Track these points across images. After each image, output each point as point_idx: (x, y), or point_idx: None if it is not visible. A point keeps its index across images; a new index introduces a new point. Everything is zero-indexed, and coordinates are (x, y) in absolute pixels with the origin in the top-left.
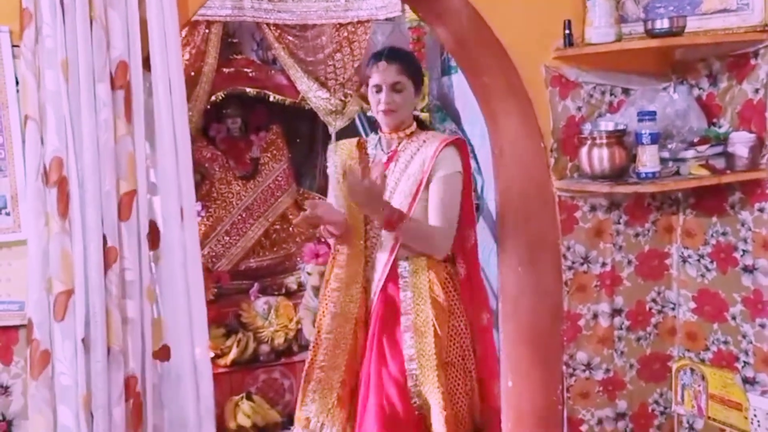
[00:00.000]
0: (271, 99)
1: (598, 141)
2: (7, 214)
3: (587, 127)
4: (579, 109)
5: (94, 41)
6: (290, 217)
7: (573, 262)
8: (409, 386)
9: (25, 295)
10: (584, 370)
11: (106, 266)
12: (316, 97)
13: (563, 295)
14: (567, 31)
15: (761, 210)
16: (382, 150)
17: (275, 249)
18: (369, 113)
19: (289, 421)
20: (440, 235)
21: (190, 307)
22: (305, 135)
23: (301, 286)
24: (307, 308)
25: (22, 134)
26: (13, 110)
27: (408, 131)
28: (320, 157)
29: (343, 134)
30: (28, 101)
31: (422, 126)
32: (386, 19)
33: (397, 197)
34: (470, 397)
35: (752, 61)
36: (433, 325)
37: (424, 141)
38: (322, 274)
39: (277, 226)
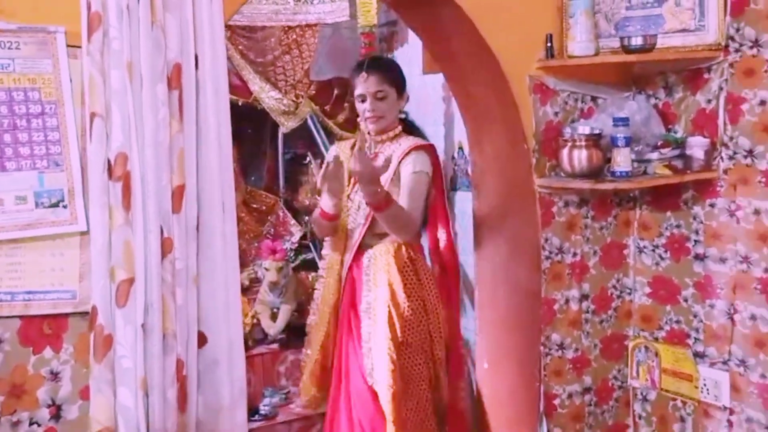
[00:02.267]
0: None
1: (577, 143)
2: (65, 206)
3: (568, 131)
4: (556, 114)
5: (154, 44)
6: (240, 215)
7: (550, 253)
8: (365, 365)
9: (76, 284)
10: (558, 350)
11: (163, 255)
12: (268, 97)
13: (541, 282)
14: (549, 44)
15: (712, 205)
16: (368, 152)
17: None
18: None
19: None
20: (412, 221)
21: (228, 294)
22: (252, 134)
23: (253, 282)
24: (263, 303)
25: (77, 130)
26: (68, 108)
27: (391, 134)
28: (268, 156)
29: (293, 134)
30: (96, 99)
31: (409, 129)
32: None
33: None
34: (433, 381)
35: (705, 75)
36: (388, 307)
37: (400, 144)
38: (279, 270)
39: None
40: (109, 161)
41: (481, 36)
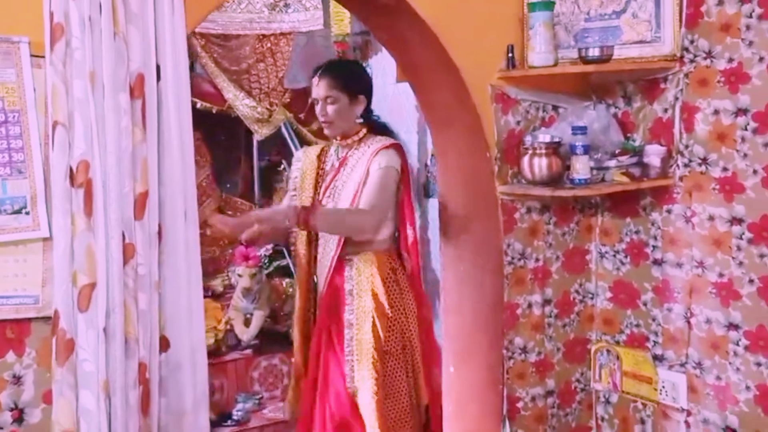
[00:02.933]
0: (199, 106)
1: (538, 151)
2: (27, 213)
3: (528, 139)
4: (518, 123)
5: (117, 54)
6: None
7: (512, 258)
8: (347, 372)
9: (39, 289)
10: (521, 354)
11: (125, 261)
12: (243, 105)
13: (504, 287)
14: (510, 55)
15: (669, 211)
16: (336, 157)
17: (201, 253)
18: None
19: (219, 419)
20: (359, 215)
21: (191, 300)
22: (226, 141)
23: (227, 289)
24: (236, 309)
25: (40, 139)
26: (31, 116)
27: (356, 138)
28: (242, 163)
29: (268, 141)
30: (58, 108)
31: (378, 130)
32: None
33: (343, 200)
34: (412, 386)
35: (662, 85)
36: (372, 317)
37: (369, 146)
38: (252, 276)
39: (202, 231)
40: (71, 168)
41: (443, 47)
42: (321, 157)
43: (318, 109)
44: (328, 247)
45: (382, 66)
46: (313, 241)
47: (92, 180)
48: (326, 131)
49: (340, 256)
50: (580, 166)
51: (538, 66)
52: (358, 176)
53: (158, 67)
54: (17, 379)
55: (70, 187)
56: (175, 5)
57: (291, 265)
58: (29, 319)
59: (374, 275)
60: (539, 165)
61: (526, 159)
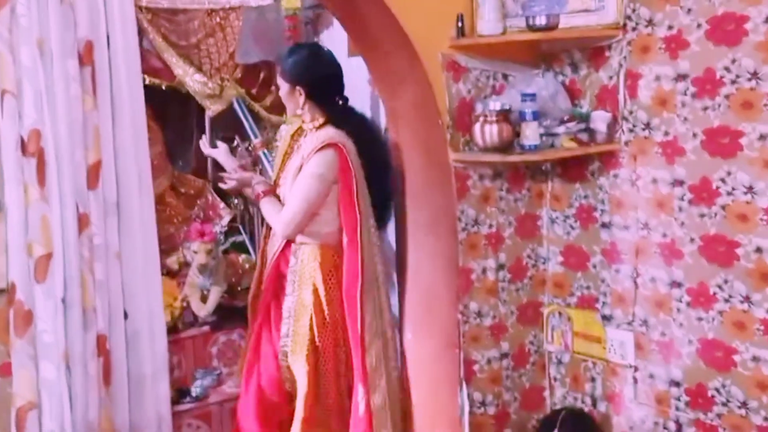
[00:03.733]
0: (147, 82)
1: (489, 119)
2: None
3: (479, 107)
4: (469, 91)
5: (64, 20)
6: (168, 199)
7: (466, 224)
8: (280, 360)
9: None
10: (476, 318)
11: (80, 231)
12: (193, 81)
13: (458, 253)
14: (460, 24)
15: (615, 176)
16: (299, 140)
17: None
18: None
19: (178, 396)
20: (279, 220)
21: (148, 269)
22: (178, 118)
23: (182, 266)
24: (192, 286)
25: None
26: None
27: (316, 124)
28: (194, 139)
29: (221, 117)
30: (5, 76)
31: (342, 118)
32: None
33: (285, 185)
34: (340, 381)
35: (606, 53)
36: (311, 312)
37: (316, 138)
38: (208, 252)
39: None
40: (22, 138)
41: (395, 16)
42: (294, 135)
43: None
44: (276, 234)
45: (333, 41)
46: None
47: (44, 149)
48: (292, 124)
49: (288, 243)
50: (530, 133)
51: (487, 35)
52: (294, 168)
53: (108, 36)
54: None
55: (21, 156)
56: None
57: (247, 241)
58: None
59: (316, 270)
60: (490, 132)
61: (477, 126)
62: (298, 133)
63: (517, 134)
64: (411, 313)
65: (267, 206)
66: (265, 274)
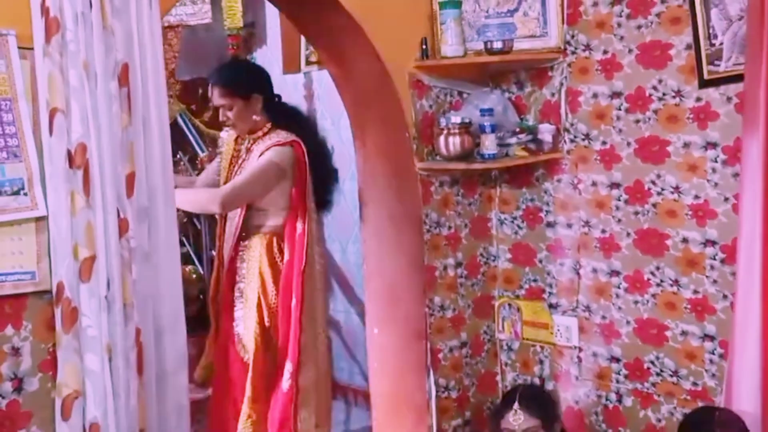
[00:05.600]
0: None
1: (452, 131)
2: (25, 194)
3: (443, 121)
4: (430, 106)
5: (106, 46)
6: None
7: (429, 226)
8: (236, 342)
9: (35, 265)
10: (439, 311)
11: (120, 235)
12: None
13: (424, 252)
14: (424, 47)
15: (559, 180)
16: (244, 147)
17: None
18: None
19: None
20: (206, 195)
21: (171, 269)
22: None
23: None
24: None
25: (31, 124)
26: (22, 103)
27: (260, 133)
28: None
29: None
30: (56, 95)
31: (287, 120)
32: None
33: None
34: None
35: (549, 73)
36: (259, 295)
37: (270, 139)
38: None
39: None
40: (69, 151)
41: (369, 39)
42: (238, 139)
43: (220, 114)
44: (231, 227)
45: (267, 58)
46: (222, 221)
47: (89, 161)
48: (234, 132)
49: (240, 237)
50: (489, 143)
51: (450, 56)
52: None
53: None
54: (16, 351)
55: (68, 168)
56: (152, 1)
57: (191, 252)
58: (26, 294)
59: (262, 255)
60: (453, 143)
61: (441, 138)
62: (240, 139)
63: (477, 145)
64: (378, 309)
65: (178, 194)
66: (223, 271)
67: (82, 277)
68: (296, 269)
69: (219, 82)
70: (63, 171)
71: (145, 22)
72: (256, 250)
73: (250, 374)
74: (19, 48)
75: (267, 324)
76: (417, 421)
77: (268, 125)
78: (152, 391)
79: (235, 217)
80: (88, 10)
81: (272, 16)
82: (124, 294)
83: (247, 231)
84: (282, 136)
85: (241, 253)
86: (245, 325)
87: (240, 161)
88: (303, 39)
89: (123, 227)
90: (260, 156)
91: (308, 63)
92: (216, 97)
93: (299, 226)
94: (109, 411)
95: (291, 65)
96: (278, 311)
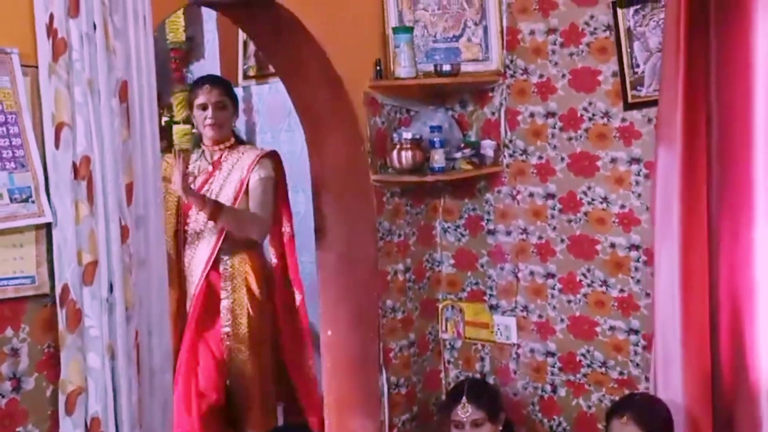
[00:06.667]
0: None
1: (405, 146)
2: (32, 201)
3: (395, 136)
4: (383, 123)
5: (108, 65)
6: None
7: (383, 234)
8: (225, 360)
9: (35, 270)
10: (391, 313)
11: (122, 241)
12: None
13: (378, 259)
14: (378, 68)
15: (499, 191)
16: (206, 160)
17: None
18: None
19: None
20: (257, 219)
21: (159, 274)
22: None
23: None
24: None
25: (36, 137)
26: (26, 117)
27: (228, 144)
28: None
29: None
30: (63, 111)
31: (240, 141)
32: None
33: (221, 200)
34: (277, 369)
35: (490, 94)
36: (248, 310)
37: (243, 153)
38: None
39: None
40: (74, 163)
41: (329, 60)
42: (176, 157)
43: (208, 112)
44: (201, 248)
45: (205, 72)
46: (181, 243)
47: (92, 172)
48: (211, 133)
49: (216, 257)
50: (438, 157)
51: (404, 77)
52: (237, 181)
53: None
54: (14, 352)
55: (73, 179)
56: (147, 21)
57: None
58: (26, 298)
59: (248, 272)
60: (406, 157)
61: (395, 152)
62: (182, 157)
63: (427, 159)
64: (333, 312)
65: (234, 212)
66: (192, 288)
67: (85, 281)
68: (292, 268)
69: (220, 82)
70: (68, 181)
71: (141, 42)
72: (241, 267)
73: (251, 387)
74: (21, 66)
75: (257, 338)
76: (369, 417)
77: (233, 139)
78: (145, 388)
79: (208, 238)
80: (93, 31)
81: (210, 31)
82: (126, 297)
83: (226, 250)
84: (256, 148)
85: (222, 270)
86: (236, 341)
87: (207, 177)
88: (241, 53)
89: (125, 234)
90: (250, 170)
91: (246, 77)
92: (216, 93)
93: (286, 229)
94: (108, 406)
95: (229, 79)
96: (267, 324)
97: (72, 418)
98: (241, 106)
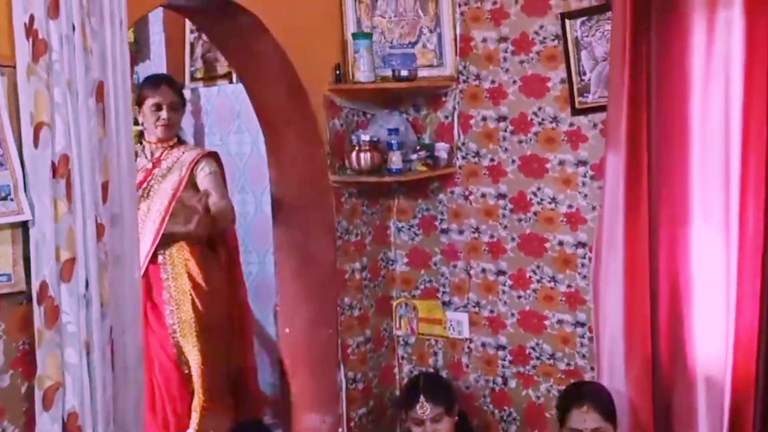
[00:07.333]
0: None
1: (362, 148)
2: (11, 200)
3: (354, 138)
4: (341, 125)
5: (86, 66)
6: None
7: (341, 234)
8: (174, 351)
9: (11, 268)
10: (348, 310)
11: (98, 239)
12: None
13: (336, 258)
14: (337, 72)
15: (452, 192)
16: (146, 157)
17: None
18: None
19: None
20: (230, 207)
21: (132, 273)
22: None
23: None
24: None
25: (13, 136)
26: (4, 116)
27: (171, 143)
28: None
29: None
30: (43, 111)
31: (181, 141)
32: None
33: (159, 196)
34: (227, 356)
35: (443, 99)
36: (191, 296)
37: (183, 152)
38: None
39: None
40: (53, 162)
41: (291, 63)
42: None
43: (162, 113)
44: (143, 240)
45: (151, 73)
46: None
47: (71, 171)
48: (163, 134)
49: (156, 252)
50: (396, 159)
51: (363, 82)
52: (176, 179)
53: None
54: None
55: (52, 178)
56: (123, 23)
57: None
58: (2, 296)
59: (189, 259)
60: (365, 158)
61: (353, 154)
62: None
63: (384, 160)
64: (292, 310)
65: (206, 219)
66: None
67: (63, 278)
68: (238, 268)
69: (174, 82)
70: (47, 180)
71: (117, 43)
72: (180, 255)
73: (199, 375)
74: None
75: (204, 323)
76: (327, 411)
77: (176, 139)
78: (119, 384)
79: (148, 233)
80: (72, 32)
81: (157, 33)
82: (101, 294)
83: (164, 244)
84: (196, 148)
85: (161, 262)
86: (182, 328)
87: (146, 175)
88: (188, 55)
89: (100, 232)
90: (190, 168)
91: (193, 79)
92: (171, 94)
93: (232, 228)
94: (86, 401)
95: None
96: (213, 308)
97: (49, 413)
98: (189, 108)
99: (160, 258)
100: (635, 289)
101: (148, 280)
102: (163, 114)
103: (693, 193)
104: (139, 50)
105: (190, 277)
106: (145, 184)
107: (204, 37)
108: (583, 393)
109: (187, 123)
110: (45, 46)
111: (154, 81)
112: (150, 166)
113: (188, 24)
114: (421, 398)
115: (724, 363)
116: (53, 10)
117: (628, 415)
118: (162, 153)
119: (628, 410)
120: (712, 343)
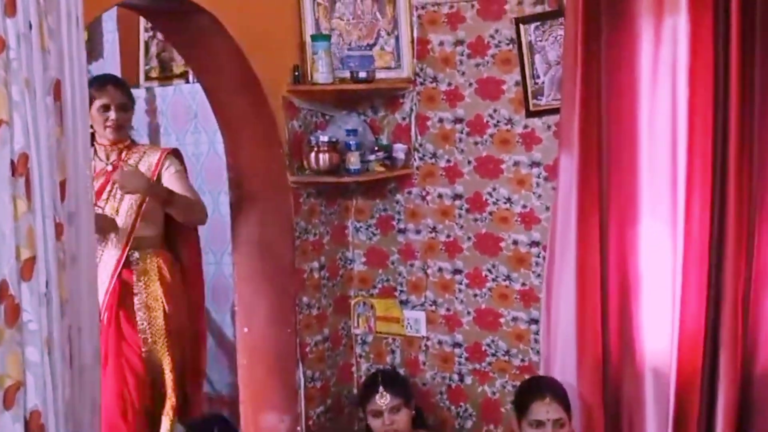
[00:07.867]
0: None
1: (321, 148)
2: None
3: (312, 139)
4: (300, 126)
5: (43, 64)
6: None
7: (299, 233)
8: (145, 356)
9: None
10: (307, 309)
11: (57, 238)
12: None
13: (294, 257)
14: (296, 73)
15: (409, 192)
16: (101, 160)
17: None
18: None
19: None
20: (201, 205)
21: (89, 271)
22: None
23: None
24: None
25: None
26: None
27: (126, 143)
28: None
29: None
30: (1, 108)
31: (133, 141)
32: None
33: (128, 198)
34: (201, 361)
35: (401, 100)
36: (162, 303)
37: (145, 152)
38: None
39: None
40: (12, 161)
41: (250, 65)
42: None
43: (110, 114)
44: (109, 248)
45: (104, 71)
46: None
47: (30, 169)
48: (113, 134)
49: (127, 257)
50: (354, 160)
51: (322, 83)
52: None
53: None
54: None
55: (11, 177)
56: (79, 21)
57: None
58: None
59: (161, 266)
60: (323, 159)
61: (312, 155)
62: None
63: (342, 161)
64: (250, 309)
65: (185, 198)
66: (107, 289)
67: (24, 276)
68: (197, 268)
69: (122, 82)
70: (6, 178)
71: (74, 42)
72: (152, 262)
73: (171, 380)
74: None
75: (173, 329)
76: (286, 410)
77: (129, 140)
78: (76, 384)
79: (124, 233)
80: (28, 31)
81: (110, 31)
82: (60, 292)
83: (136, 249)
84: (154, 147)
85: (135, 269)
86: (153, 333)
87: (108, 176)
88: (142, 54)
89: (59, 230)
90: (158, 167)
91: (148, 78)
92: (119, 95)
93: (192, 230)
94: (48, 399)
95: (129, 80)
96: (182, 314)
97: (11, 412)
98: (144, 107)
99: (133, 264)
100: (587, 287)
101: (122, 286)
102: (112, 115)
103: (642, 193)
104: (92, 49)
105: (163, 283)
106: (108, 187)
107: (159, 35)
108: (542, 386)
109: (142, 123)
110: (2, 44)
111: (101, 82)
112: (110, 168)
113: (143, 22)
114: (381, 389)
115: (670, 356)
116: (10, 8)
117: (579, 408)
118: (121, 154)
119: (580, 404)
120: (659, 337)
